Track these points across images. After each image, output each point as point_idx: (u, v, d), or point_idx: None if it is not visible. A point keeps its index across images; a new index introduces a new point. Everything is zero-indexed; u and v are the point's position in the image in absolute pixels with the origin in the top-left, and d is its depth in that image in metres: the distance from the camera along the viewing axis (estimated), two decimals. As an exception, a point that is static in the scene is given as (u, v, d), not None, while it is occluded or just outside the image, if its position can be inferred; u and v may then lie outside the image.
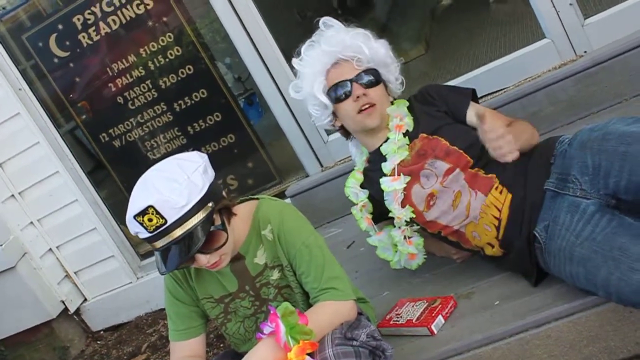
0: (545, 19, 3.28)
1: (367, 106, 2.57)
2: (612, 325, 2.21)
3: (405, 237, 2.62)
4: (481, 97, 3.23)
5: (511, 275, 2.49)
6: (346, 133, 2.76)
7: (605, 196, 2.13)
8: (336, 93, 2.60)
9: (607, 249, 2.03)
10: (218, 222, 2.16)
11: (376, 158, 2.65)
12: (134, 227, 2.10)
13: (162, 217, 2.05)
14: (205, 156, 2.21)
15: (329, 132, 3.75)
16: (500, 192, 2.39)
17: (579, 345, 2.25)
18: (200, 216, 2.10)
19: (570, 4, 3.23)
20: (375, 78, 2.61)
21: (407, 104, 2.68)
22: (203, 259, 2.15)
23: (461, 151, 2.48)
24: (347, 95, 2.58)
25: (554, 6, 3.24)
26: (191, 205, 2.08)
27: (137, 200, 2.08)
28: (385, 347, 2.22)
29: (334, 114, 2.68)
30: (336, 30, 2.63)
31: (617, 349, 2.24)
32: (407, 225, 2.60)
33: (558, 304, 2.27)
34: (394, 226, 2.63)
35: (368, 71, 2.59)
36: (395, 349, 2.31)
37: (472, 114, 2.59)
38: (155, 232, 2.07)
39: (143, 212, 2.05)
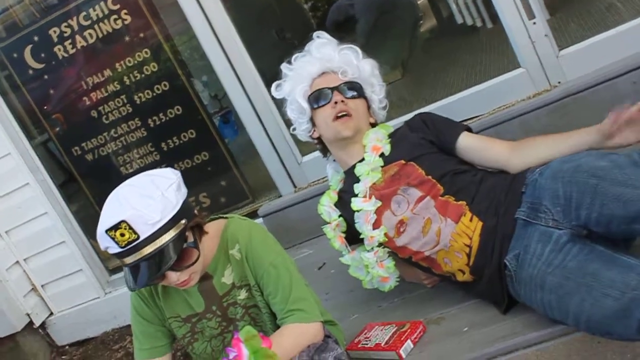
0: (521, 49, 3.30)
1: (343, 114, 2.58)
2: (580, 356, 2.20)
3: (377, 260, 2.59)
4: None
5: (481, 302, 2.47)
6: (324, 149, 2.76)
7: (576, 227, 2.12)
8: (316, 99, 2.62)
9: (580, 276, 2.02)
10: (190, 239, 2.13)
11: (350, 179, 2.64)
12: (104, 242, 2.06)
13: (135, 233, 2.02)
14: (178, 173, 2.19)
15: (303, 153, 3.75)
16: (471, 220, 2.38)
17: (546, 374, 2.24)
18: (172, 233, 2.07)
19: (546, 35, 3.25)
20: (358, 92, 2.63)
21: (391, 129, 2.69)
22: (173, 277, 2.12)
23: (434, 181, 2.47)
24: (327, 100, 2.60)
25: (529, 36, 3.25)
26: (165, 221, 2.05)
27: (110, 214, 2.05)
28: (352, 371, 2.20)
29: (313, 122, 2.68)
30: (328, 43, 2.68)
31: (584, 379, 2.23)
32: (379, 247, 2.57)
33: (526, 332, 2.25)
34: (367, 250, 2.61)
35: (351, 83, 2.62)
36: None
37: (466, 142, 2.58)
38: (127, 248, 2.04)
39: (115, 227, 2.01)
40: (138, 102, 3.96)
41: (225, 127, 4.33)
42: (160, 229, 2.05)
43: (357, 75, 2.63)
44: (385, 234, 2.52)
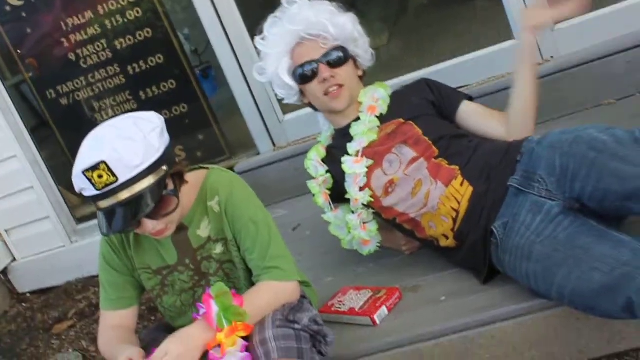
0: (516, 20, 3.25)
1: (334, 88, 2.52)
2: (557, 332, 2.21)
3: (360, 222, 2.57)
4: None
5: (461, 272, 2.46)
6: (315, 108, 2.70)
7: (569, 199, 2.10)
8: (302, 73, 2.54)
9: (569, 248, 2.01)
10: (170, 187, 2.08)
11: (342, 136, 2.61)
12: (80, 182, 1.99)
13: (114, 175, 1.95)
14: (162, 118, 2.14)
15: (285, 111, 3.72)
16: (461, 184, 2.35)
17: (522, 349, 2.25)
18: (152, 179, 2.01)
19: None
20: (344, 55, 2.55)
21: (388, 88, 2.64)
22: (149, 225, 2.06)
23: (430, 142, 2.45)
24: (314, 76, 2.52)
25: (525, 7, 3.21)
26: (145, 165, 1.99)
27: (88, 154, 1.98)
28: (326, 333, 2.19)
29: (301, 91, 2.62)
30: (299, 6, 2.54)
31: (560, 355, 2.23)
32: (363, 209, 2.55)
33: (505, 304, 2.26)
34: (352, 211, 2.59)
35: (335, 49, 2.53)
36: (335, 336, 2.27)
37: (468, 109, 2.59)
38: (104, 191, 1.97)
39: (93, 168, 1.94)
40: (118, 47, 3.87)
41: (204, 81, 4.27)
42: (140, 173, 1.98)
43: (338, 37, 2.54)
44: (372, 194, 2.50)
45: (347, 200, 2.59)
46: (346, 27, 2.54)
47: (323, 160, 2.67)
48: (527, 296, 2.21)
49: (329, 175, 2.64)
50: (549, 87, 3.10)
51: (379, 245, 2.64)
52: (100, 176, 1.95)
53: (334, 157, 2.62)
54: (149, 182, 2.00)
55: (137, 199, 1.99)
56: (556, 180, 2.13)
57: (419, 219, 2.43)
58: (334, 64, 2.52)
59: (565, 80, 3.13)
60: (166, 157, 2.05)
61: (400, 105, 2.58)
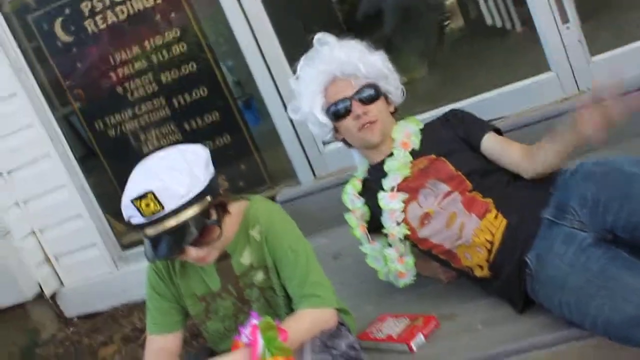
0: (553, 53, 3.30)
1: (367, 124, 2.56)
2: (594, 361, 2.20)
3: (398, 256, 2.59)
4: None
5: (497, 301, 2.46)
6: (349, 144, 2.73)
7: (602, 230, 2.12)
8: (336, 111, 2.58)
9: (602, 279, 2.02)
10: (213, 217, 2.13)
11: (377, 172, 2.64)
12: (129, 211, 2.06)
13: (160, 204, 2.01)
14: (207, 150, 2.19)
15: (325, 143, 3.74)
16: (496, 217, 2.37)
17: (558, 377, 2.24)
18: (196, 209, 2.06)
19: (579, 41, 3.25)
20: (375, 92, 2.59)
21: (419, 123, 2.67)
22: (193, 252, 2.12)
23: (463, 177, 2.47)
24: (347, 113, 2.56)
25: (562, 41, 3.26)
26: (191, 196, 2.05)
27: (137, 184, 2.05)
28: (363, 359, 2.20)
29: (335, 129, 2.66)
30: (331, 47, 2.59)
31: (595, 386, 2.22)
32: (400, 242, 2.57)
33: (540, 333, 2.25)
34: (389, 244, 2.61)
35: (366, 87, 2.57)
36: (373, 363, 2.28)
37: (490, 143, 2.55)
38: (151, 219, 2.03)
39: (141, 197, 2.01)
40: (164, 81, 3.97)
41: (246, 112, 4.32)
42: (185, 203, 2.04)
43: (369, 74, 2.58)
44: (408, 226, 2.52)
45: (385, 233, 2.62)
46: (376, 65, 2.59)
47: (360, 193, 2.70)
48: (562, 325, 2.20)
49: (366, 208, 2.67)
50: (585, 118, 3.13)
51: (414, 278, 2.65)
52: (147, 205, 2.01)
53: (370, 190, 2.65)
54: (194, 212, 2.06)
55: (182, 227, 2.05)
56: (588, 212, 2.14)
57: (455, 250, 2.45)
58: (366, 101, 2.56)
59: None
60: (210, 188, 2.11)
61: (432, 140, 2.60)
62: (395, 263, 2.61)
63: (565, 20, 3.22)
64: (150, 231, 2.07)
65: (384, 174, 2.59)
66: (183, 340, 2.42)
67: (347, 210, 2.72)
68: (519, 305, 2.36)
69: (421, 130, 2.65)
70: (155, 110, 4.04)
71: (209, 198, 2.10)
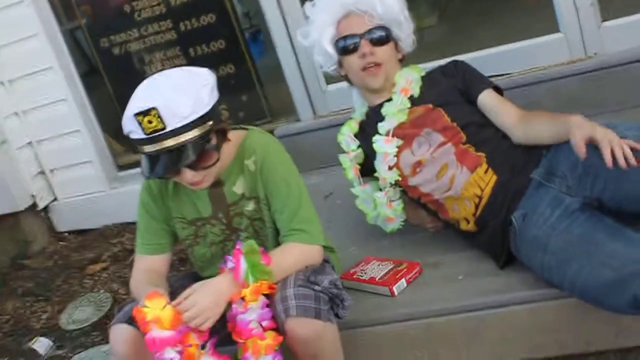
0: (564, 14, 3.27)
1: (372, 65, 2.57)
2: (567, 321, 2.26)
3: (387, 200, 2.63)
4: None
5: (481, 254, 2.51)
6: (350, 82, 2.75)
7: (589, 197, 2.14)
8: (344, 45, 2.59)
9: (583, 243, 2.05)
10: (213, 142, 2.14)
11: (374, 114, 2.66)
12: (130, 125, 2.07)
13: (163, 122, 2.03)
14: (214, 76, 2.20)
15: (328, 82, 3.74)
16: (486, 172, 2.40)
17: (531, 333, 2.30)
18: (197, 132, 2.08)
19: (591, 4, 3.22)
20: (386, 35, 2.59)
21: (422, 71, 2.67)
22: (188, 175, 2.14)
23: (458, 128, 2.49)
24: (354, 50, 2.57)
25: (574, 3, 3.22)
26: (193, 118, 2.06)
27: (141, 99, 2.06)
28: (344, 298, 2.24)
29: (340, 63, 2.67)
30: None
31: (568, 344, 2.28)
32: (390, 187, 2.61)
33: (519, 290, 2.31)
34: (380, 188, 2.64)
35: (379, 28, 2.57)
36: (354, 302, 2.32)
37: (486, 99, 2.55)
38: (151, 136, 2.05)
39: (145, 113, 2.02)
40: (172, 3, 3.93)
41: (253, 45, 4.31)
42: (187, 124, 2.05)
43: (384, 17, 2.58)
44: (400, 172, 2.55)
45: (376, 177, 2.65)
46: (393, 9, 2.59)
47: (355, 136, 2.72)
48: (541, 284, 2.24)
49: (360, 150, 2.70)
50: (588, 83, 3.15)
51: (402, 223, 2.70)
52: (150, 122, 2.03)
53: (366, 133, 2.67)
54: (194, 134, 2.07)
55: (181, 148, 2.06)
56: (578, 177, 2.16)
57: (443, 201, 2.48)
58: (375, 42, 2.56)
59: (607, 78, 3.12)
60: (213, 113, 2.12)
61: (431, 90, 2.61)
62: (384, 207, 2.65)
63: (579, -19, 3.20)
64: (149, 148, 2.08)
65: (381, 118, 2.61)
66: (170, 263, 2.45)
67: (342, 151, 2.74)
68: (501, 260, 2.41)
69: (422, 78, 2.66)
70: (162, 33, 4.00)
71: (210, 123, 2.11)
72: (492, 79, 2.71)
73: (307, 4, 2.69)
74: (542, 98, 3.19)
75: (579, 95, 3.13)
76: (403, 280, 2.51)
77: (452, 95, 2.60)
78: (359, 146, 2.70)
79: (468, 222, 2.45)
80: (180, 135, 2.05)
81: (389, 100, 2.63)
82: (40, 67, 4.19)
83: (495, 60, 3.41)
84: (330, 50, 2.63)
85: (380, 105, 2.64)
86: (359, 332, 2.43)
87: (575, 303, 2.19)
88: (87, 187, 4.42)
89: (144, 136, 2.06)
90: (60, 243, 4.43)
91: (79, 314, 3.64)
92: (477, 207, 2.40)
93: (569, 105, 2.94)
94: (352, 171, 2.73)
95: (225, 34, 3.92)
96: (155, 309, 2.04)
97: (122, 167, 4.39)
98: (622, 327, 2.20)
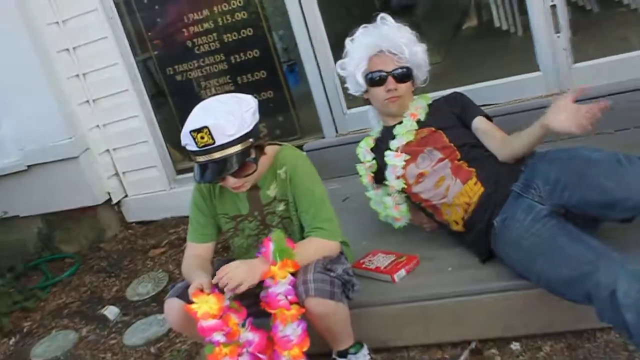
0: (542, 56, 3.29)
1: (394, 98, 2.60)
2: (534, 307, 2.27)
3: (394, 204, 2.68)
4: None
5: (466, 251, 2.52)
6: (367, 102, 2.78)
7: (557, 205, 2.16)
8: (372, 79, 2.61)
9: (548, 245, 2.08)
10: (252, 155, 2.19)
11: (388, 133, 2.69)
12: (186, 139, 2.14)
13: (212, 139, 2.09)
14: (256, 101, 2.25)
15: (349, 107, 3.76)
16: (475, 184, 2.42)
17: (504, 316, 2.32)
18: (239, 147, 2.14)
19: (564, 49, 3.23)
20: (408, 75, 2.61)
21: (430, 100, 2.70)
22: (231, 181, 2.20)
23: (455, 147, 2.51)
24: (381, 83, 2.59)
25: (551, 47, 3.24)
26: (237, 136, 2.12)
27: (197, 119, 2.12)
28: (354, 283, 2.28)
29: (366, 91, 2.69)
30: (390, 27, 2.62)
31: (532, 326, 2.30)
32: (397, 193, 2.64)
33: (495, 281, 2.32)
34: (388, 193, 2.68)
35: (403, 68, 2.59)
36: (362, 286, 2.36)
37: (478, 125, 2.58)
38: (202, 149, 2.11)
39: (198, 130, 2.09)
40: (225, 40, 3.98)
41: (289, 74, 4.33)
42: (232, 141, 2.11)
43: (409, 60, 2.59)
44: (405, 181, 2.58)
45: (386, 184, 2.68)
46: (418, 55, 2.61)
47: (372, 150, 2.76)
48: (513, 277, 2.26)
49: (374, 162, 2.73)
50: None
51: (407, 222, 2.73)
52: (202, 137, 2.09)
53: (379, 149, 2.70)
54: (237, 149, 2.13)
55: (226, 159, 2.13)
56: (549, 189, 2.17)
57: (439, 206, 2.50)
58: (399, 79, 2.59)
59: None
60: (253, 132, 2.18)
61: (435, 115, 2.63)
62: (392, 209, 2.69)
63: (557, 30, 3.20)
64: (200, 159, 2.15)
65: (393, 136, 2.64)
66: (214, 250, 2.49)
67: (359, 161, 2.78)
68: (483, 256, 2.42)
69: (429, 105, 2.68)
70: (216, 64, 4.05)
71: (251, 140, 2.17)
72: (484, 108, 2.72)
73: (348, 39, 2.69)
74: (523, 125, 3.17)
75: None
76: (403, 270, 2.53)
77: (451, 120, 2.61)
78: (373, 158, 2.73)
79: (457, 224, 2.46)
80: (226, 150, 2.12)
81: (401, 122, 2.65)
82: (118, 90, 4.24)
83: (487, 92, 3.42)
84: (362, 81, 2.64)
85: (393, 126, 2.67)
86: (365, 311, 2.45)
87: (540, 293, 2.20)
88: (151, 186, 4.45)
89: (196, 149, 2.12)
90: (129, 231, 4.46)
91: (141, 288, 3.70)
92: (465, 212, 2.41)
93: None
94: (367, 178, 2.76)
95: (267, 66, 3.95)
96: (202, 303, 2.09)
97: (180, 172, 4.41)
98: (577, 314, 2.20)
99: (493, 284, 2.31)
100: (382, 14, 2.65)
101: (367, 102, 2.79)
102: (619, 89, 3.07)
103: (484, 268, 2.40)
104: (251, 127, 2.17)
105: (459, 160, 2.49)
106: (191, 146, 2.14)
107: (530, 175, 2.30)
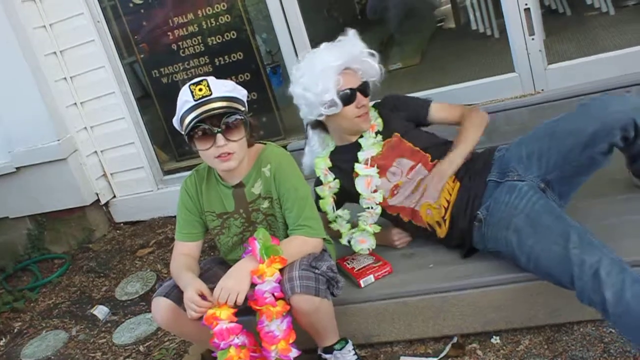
0: (518, 57, 3.28)
1: (365, 114, 2.52)
2: (514, 302, 2.25)
3: (371, 218, 2.54)
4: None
5: (447, 248, 2.49)
6: (317, 125, 2.63)
7: (536, 179, 2.19)
8: (345, 98, 2.45)
9: (537, 223, 2.06)
10: (245, 127, 2.18)
11: (351, 150, 2.57)
12: (185, 95, 2.13)
13: (210, 90, 2.10)
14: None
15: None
16: (453, 181, 2.40)
17: (485, 311, 2.29)
18: (236, 105, 2.16)
19: (540, 50, 3.23)
20: (368, 88, 2.54)
21: (376, 109, 2.63)
22: (221, 141, 2.12)
23: (422, 151, 2.48)
24: (352, 101, 2.47)
25: (526, 49, 3.24)
26: (234, 94, 2.16)
27: (197, 78, 2.14)
28: (338, 280, 2.24)
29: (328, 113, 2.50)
30: (355, 44, 2.51)
31: (514, 320, 2.28)
32: (375, 207, 2.52)
33: (476, 276, 2.30)
34: (364, 208, 2.55)
35: (367, 83, 2.52)
36: (346, 283, 2.34)
37: (434, 110, 2.58)
38: (199, 101, 2.09)
39: (197, 82, 2.11)
40: (210, 43, 3.94)
41: (273, 76, 4.31)
42: (228, 97, 2.14)
43: (370, 75, 2.52)
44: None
45: (351, 201, 2.59)
46: (376, 69, 2.53)
47: (330, 169, 2.62)
48: (494, 272, 2.25)
49: (337, 181, 2.60)
50: (537, 113, 3.15)
51: (373, 247, 2.58)
52: (200, 89, 2.10)
53: (341, 167, 2.59)
54: (235, 105, 2.15)
55: (222, 110, 2.11)
56: (524, 166, 2.20)
57: (418, 209, 2.45)
58: (365, 94, 2.50)
59: (550, 110, 3.11)
60: (245, 109, 2.20)
61: (392, 122, 2.56)
62: (366, 225, 2.54)
63: (531, 32, 3.19)
64: (197, 112, 2.10)
65: (359, 150, 2.54)
66: (202, 249, 2.46)
67: (318, 184, 2.65)
68: (464, 250, 2.40)
69: (379, 114, 2.60)
70: (201, 66, 4.01)
71: (244, 109, 2.19)
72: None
73: (306, 58, 2.53)
74: (500, 124, 3.19)
75: (528, 122, 3.12)
76: (372, 276, 2.46)
77: (405, 125, 2.57)
78: (335, 178, 2.60)
79: (440, 225, 2.41)
80: (223, 101, 2.12)
81: (361, 137, 2.56)
82: (105, 92, 4.20)
83: (465, 92, 3.41)
84: (337, 100, 2.43)
85: (356, 142, 2.56)
86: (350, 308, 2.43)
87: (521, 288, 2.20)
88: (139, 187, 4.41)
89: (193, 102, 2.10)
90: (117, 231, 4.41)
91: (130, 287, 3.65)
92: (446, 209, 2.38)
93: (521, 130, 2.98)
94: (329, 200, 2.61)
95: (251, 68, 3.92)
96: (216, 309, 2.07)
97: (167, 172, 4.38)
98: (556, 308, 2.20)
99: (474, 280, 2.29)
100: (350, 31, 2.54)
101: (316, 128, 2.64)
102: (592, 88, 3.06)
103: (465, 264, 2.38)
104: (245, 101, 2.20)
105: (431, 161, 2.46)
106: (189, 102, 2.11)
107: (502, 161, 2.32)
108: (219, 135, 2.12)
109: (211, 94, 2.10)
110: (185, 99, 2.13)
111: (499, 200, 2.22)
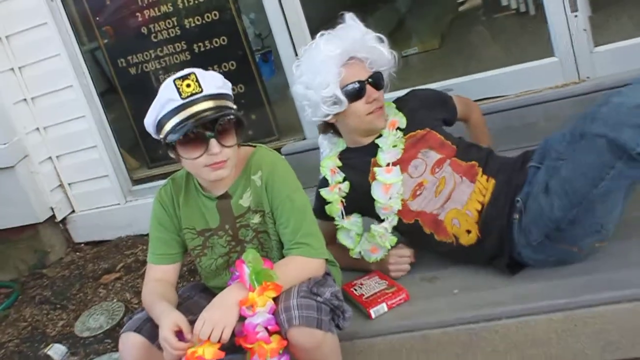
0: (558, 39, 3.28)
1: (379, 109, 2.54)
2: (557, 334, 2.24)
3: (388, 230, 2.56)
4: (481, 100, 3.26)
5: (477, 268, 2.50)
6: (327, 128, 2.68)
7: None
8: (351, 93, 2.49)
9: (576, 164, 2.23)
10: (236, 129, 2.18)
11: (367, 150, 2.60)
12: (169, 92, 2.09)
13: (200, 86, 2.08)
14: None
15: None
16: (487, 180, 2.44)
17: (523, 347, 2.28)
18: (229, 103, 2.16)
19: (584, 30, 3.23)
20: (382, 80, 2.57)
21: (392, 104, 2.66)
22: (215, 146, 2.11)
23: (452, 144, 2.53)
24: (361, 95, 2.50)
25: (568, 28, 3.24)
26: (224, 91, 2.16)
27: (180, 72, 2.11)
28: (345, 309, 2.23)
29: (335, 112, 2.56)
30: (356, 29, 2.54)
31: (557, 357, 2.26)
32: (392, 217, 2.54)
33: (512, 303, 2.29)
34: (380, 219, 2.58)
35: (378, 74, 2.55)
36: (354, 313, 2.33)
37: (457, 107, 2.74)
38: (187, 99, 2.07)
39: (184, 77, 2.08)
40: (187, 26, 3.95)
41: (263, 65, 4.33)
42: (220, 93, 2.14)
43: (381, 64, 2.54)
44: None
45: (362, 211, 2.63)
46: (387, 57, 2.56)
47: (340, 168, 2.64)
48: (534, 298, 2.25)
49: (346, 182, 2.62)
50: (581, 105, 3.09)
51: (385, 254, 2.62)
52: (188, 85, 2.08)
53: (352, 168, 2.62)
54: (226, 103, 2.15)
55: (220, 108, 2.11)
56: (567, 143, 2.29)
57: (442, 218, 2.46)
58: (378, 87, 2.53)
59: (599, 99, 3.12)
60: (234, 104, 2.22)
61: (418, 116, 2.60)
62: (383, 238, 2.57)
63: (574, 9, 3.19)
64: (185, 114, 2.08)
65: (375, 152, 2.57)
66: (180, 274, 2.46)
67: (323, 185, 2.67)
68: (504, 260, 2.41)
69: (398, 109, 2.64)
70: (176, 54, 4.03)
71: (235, 107, 2.20)
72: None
73: (309, 49, 2.58)
74: (537, 119, 3.20)
75: (571, 117, 3.12)
76: (384, 304, 2.46)
77: (435, 121, 2.63)
78: (344, 178, 2.63)
79: (469, 232, 2.43)
80: (214, 100, 2.11)
81: (380, 136, 2.59)
82: (61, 86, 4.21)
83: (492, 82, 3.42)
84: (341, 96, 2.47)
85: (372, 143, 2.59)
86: (359, 343, 2.42)
87: (565, 318, 2.20)
88: (103, 200, 4.42)
89: (180, 102, 2.08)
90: (77, 254, 4.41)
91: (92, 322, 3.64)
92: (479, 213, 2.40)
93: (563, 126, 2.99)
94: (337, 205, 2.63)
95: (237, 55, 3.93)
96: (199, 346, 2.04)
97: (136, 182, 4.39)
98: (609, 342, 2.19)
99: (509, 308, 2.29)
100: (348, 15, 2.56)
101: (326, 132, 2.70)
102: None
103: (498, 288, 2.38)
104: (232, 98, 2.21)
105: (455, 156, 2.50)
106: (174, 102, 2.08)
107: (545, 148, 2.41)
108: (213, 141, 2.11)
109: (202, 91, 2.08)
110: (168, 97, 2.09)
111: (536, 181, 2.31)
